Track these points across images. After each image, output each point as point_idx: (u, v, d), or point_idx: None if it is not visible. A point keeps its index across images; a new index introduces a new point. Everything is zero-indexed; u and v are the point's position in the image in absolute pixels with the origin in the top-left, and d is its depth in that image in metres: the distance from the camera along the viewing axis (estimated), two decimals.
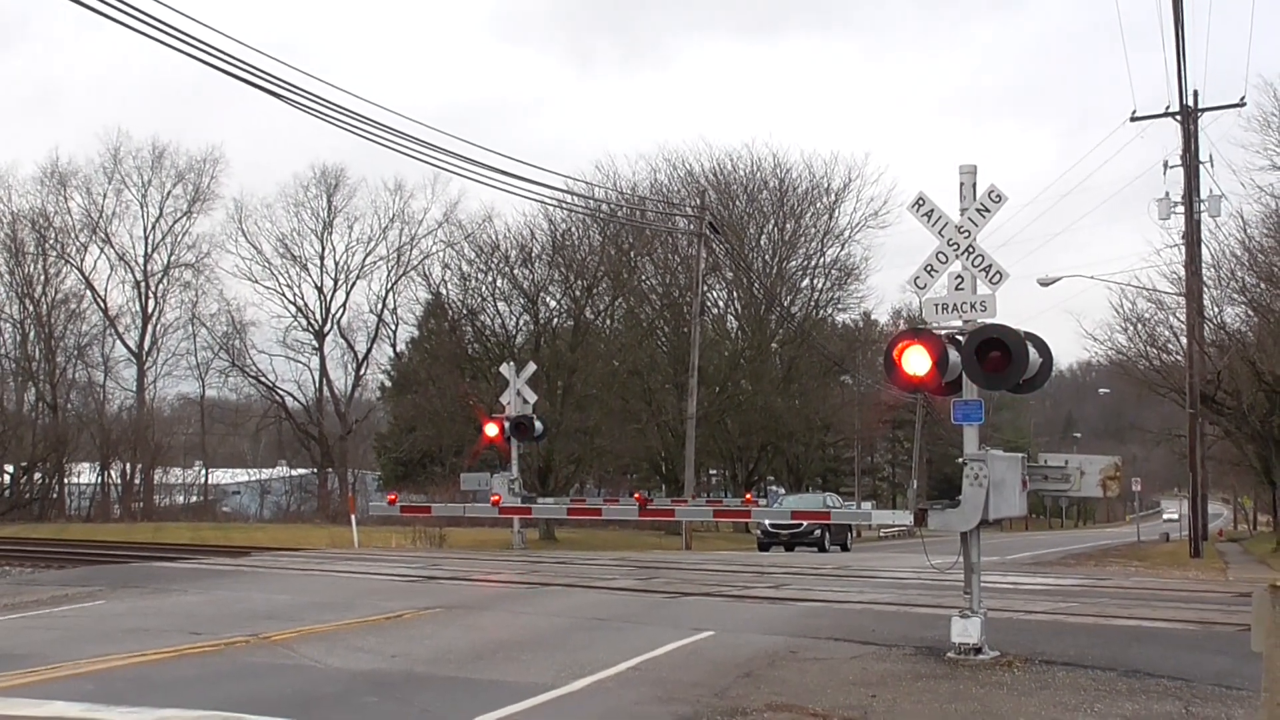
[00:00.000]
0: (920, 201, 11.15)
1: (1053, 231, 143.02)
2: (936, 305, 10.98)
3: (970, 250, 10.84)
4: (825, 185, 64.11)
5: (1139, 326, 40.50)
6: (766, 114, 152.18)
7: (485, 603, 15.30)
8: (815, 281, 66.49)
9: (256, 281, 68.58)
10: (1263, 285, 33.45)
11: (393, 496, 20.26)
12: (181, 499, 65.82)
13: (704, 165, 63.02)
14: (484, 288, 51.22)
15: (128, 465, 62.77)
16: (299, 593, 16.14)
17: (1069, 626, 12.92)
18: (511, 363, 29.35)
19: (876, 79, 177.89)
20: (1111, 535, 67.27)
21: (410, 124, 40.65)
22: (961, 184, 10.98)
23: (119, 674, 9.55)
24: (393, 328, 69.11)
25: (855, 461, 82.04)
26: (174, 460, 67.54)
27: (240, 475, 75.72)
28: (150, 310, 68.27)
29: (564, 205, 46.08)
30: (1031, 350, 10.53)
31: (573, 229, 51.50)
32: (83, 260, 66.43)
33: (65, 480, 61.60)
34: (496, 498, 20.35)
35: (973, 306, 10.77)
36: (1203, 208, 33.73)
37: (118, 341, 67.81)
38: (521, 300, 50.21)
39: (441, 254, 59.94)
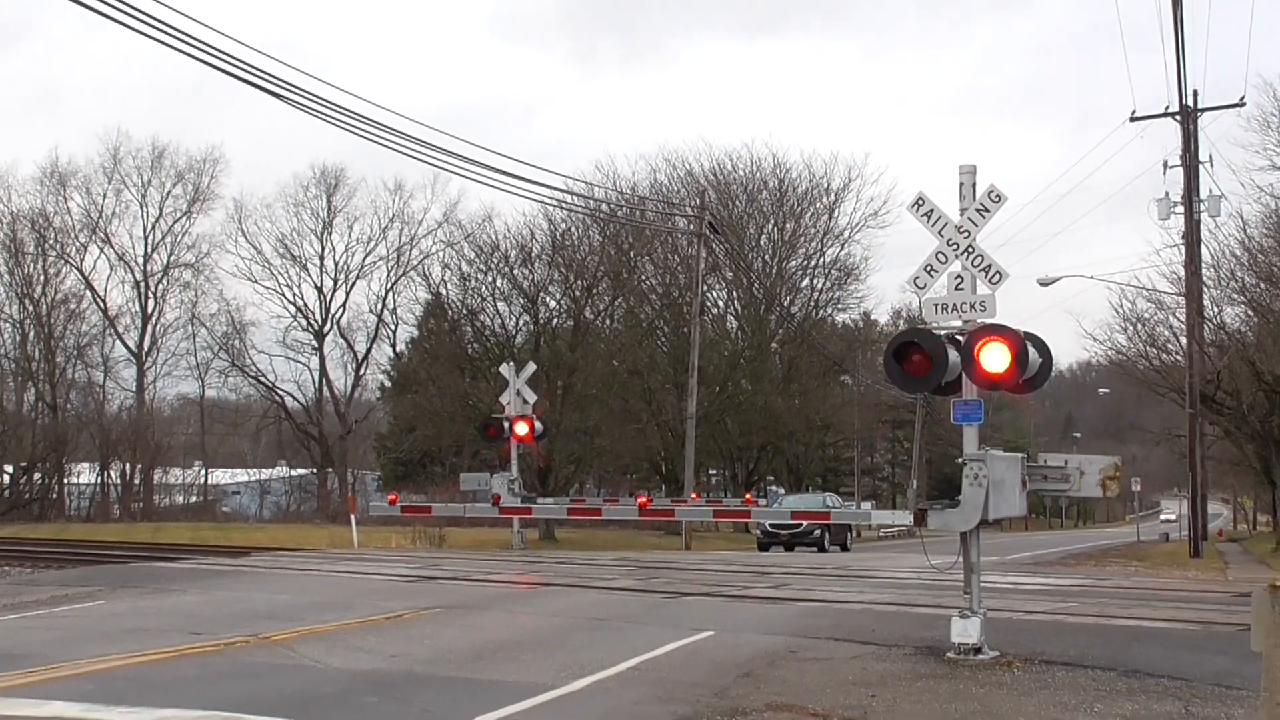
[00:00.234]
0: (920, 201, 11.15)
1: (1052, 231, 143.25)
2: (936, 305, 10.97)
3: (970, 250, 10.84)
4: (825, 185, 64.20)
5: (1139, 326, 40.54)
6: (766, 114, 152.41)
7: (485, 603, 15.30)
8: (815, 281, 66.55)
9: (256, 281, 68.69)
10: (1262, 285, 33.46)
11: (393, 496, 20.26)
12: (181, 499, 65.80)
13: (704, 165, 63.14)
14: (484, 288, 51.27)
15: (127, 465, 62.76)
16: (299, 593, 16.14)
17: (1069, 626, 12.92)
18: (511, 363, 29.36)
19: (877, 79, 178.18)
20: (1111, 535, 67.26)
21: (410, 124, 40.70)
22: (961, 184, 10.97)
23: (119, 674, 9.55)
24: (392, 328, 69.23)
25: (855, 461, 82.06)
26: (174, 460, 67.53)
27: (240, 475, 75.71)
28: (150, 310, 68.38)
29: (564, 205, 46.13)
30: (1031, 350, 10.53)
31: (572, 229, 51.55)
32: (82, 260, 66.58)
33: (65, 480, 61.60)
34: (496, 497, 20.37)
35: (972, 306, 10.77)
36: (1202, 208, 33.73)
37: (117, 341, 67.93)
38: (521, 300, 50.24)
39: (441, 254, 60.05)
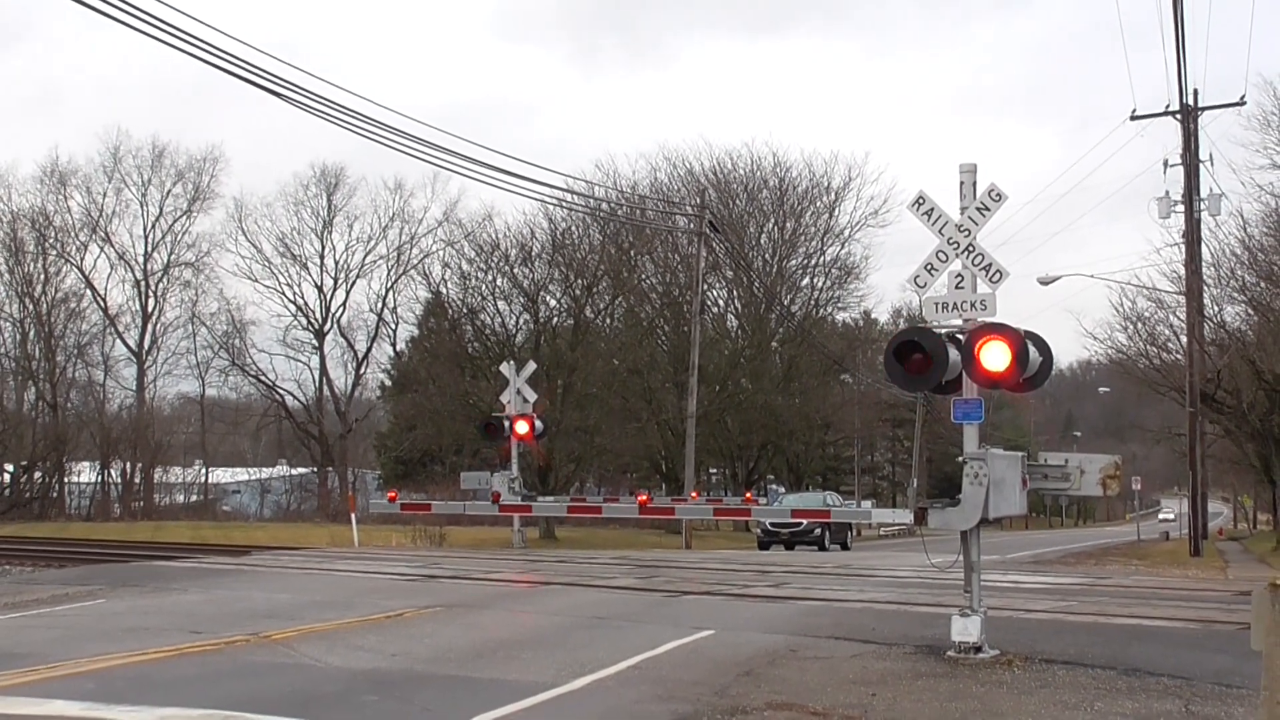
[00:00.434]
0: (920, 200, 11.15)
1: (1053, 230, 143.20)
2: (937, 304, 10.97)
3: (970, 249, 10.84)
4: (825, 184, 64.19)
5: (1139, 325, 40.49)
6: (767, 113, 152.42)
7: (485, 601, 15.30)
8: (815, 280, 66.55)
9: (256, 280, 68.73)
10: (1263, 284, 33.43)
11: (393, 495, 20.28)
12: (181, 498, 65.84)
13: (704, 164, 63.12)
14: (484, 286, 51.27)
15: (128, 464, 62.81)
16: (299, 591, 16.15)
17: (1069, 625, 12.92)
18: (511, 361, 29.34)
19: (878, 78, 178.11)
20: (1111, 534, 67.26)
21: (410, 123, 40.51)
22: (961, 183, 10.97)
23: (119, 673, 9.55)
24: (393, 327, 69.23)
25: (855, 460, 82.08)
26: (174, 459, 67.58)
27: (240, 474, 75.73)
28: (150, 309, 68.41)
29: (564, 204, 46.11)
30: (1031, 349, 10.53)
31: (573, 228, 51.55)
32: (83, 259, 66.63)
33: (65, 479, 61.64)
34: (497, 496, 20.37)
35: (973, 305, 10.76)
36: (1203, 206, 33.74)
37: (118, 340, 67.97)
38: (521, 299, 50.24)
39: (441, 253, 60.04)
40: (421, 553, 26.85)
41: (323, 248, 69.14)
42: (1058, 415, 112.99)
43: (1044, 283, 36.20)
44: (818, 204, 64.67)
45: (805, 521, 34.19)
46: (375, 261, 69.11)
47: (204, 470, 71.95)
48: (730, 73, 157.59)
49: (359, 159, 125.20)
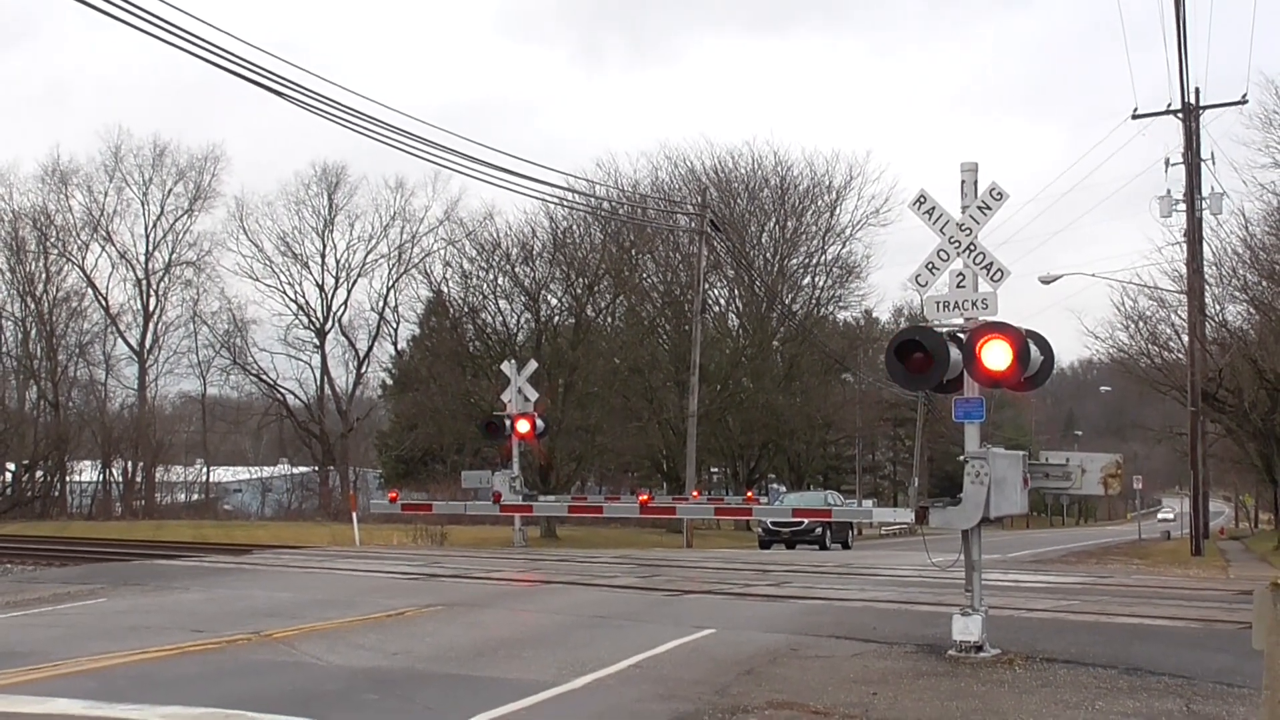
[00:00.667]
0: (921, 199, 11.14)
1: (1054, 229, 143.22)
2: (938, 303, 10.96)
3: (971, 248, 10.83)
4: (826, 183, 64.13)
5: (1140, 324, 40.49)
6: (768, 111, 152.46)
7: (487, 600, 15.31)
8: (816, 279, 66.50)
9: (258, 279, 68.73)
10: (1264, 283, 33.40)
11: (394, 494, 20.29)
12: (183, 497, 65.95)
13: (705, 163, 63.08)
14: (485, 285, 51.32)
15: (129, 463, 62.87)
16: (300, 590, 16.16)
17: (1070, 624, 12.92)
18: (513, 360, 29.33)
19: (880, 77, 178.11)
20: (1112, 533, 67.24)
21: (411, 122, 40.72)
22: (963, 181, 10.96)
23: (121, 671, 9.56)
24: (394, 325, 69.23)
25: (856, 459, 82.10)
26: (175, 458, 67.67)
27: (242, 473, 75.80)
28: (151, 308, 68.46)
29: (565, 203, 46.09)
30: (1033, 348, 10.52)
31: (574, 227, 51.57)
32: (84, 258, 66.70)
33: (67, 478, 61.71)
34: (498, 495, 20.38)
35: (974, 304, 10.76)
36: (1204, 205, 33.71)
37: (119, 339, 68.04)
38: (523, 298, 50.27)
39: (443, 252, 60.06)
40: (423, 552, 26.85)
41: (324, 246, 69.23)
42: (1059, 414, 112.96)
43: (1045, 281, 36.19)
44: (819, 203, 64.67)
45: (806, 521, 34.16)
46: (376, 260, 69.23)
47: (205, 469, 72.02)
48: (732, 71, 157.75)
49: (360, 158, 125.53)
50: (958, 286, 10.88)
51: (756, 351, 60.78)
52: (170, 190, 68.48)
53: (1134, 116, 34.47)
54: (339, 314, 69.56)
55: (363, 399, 72.88)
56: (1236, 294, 36.08)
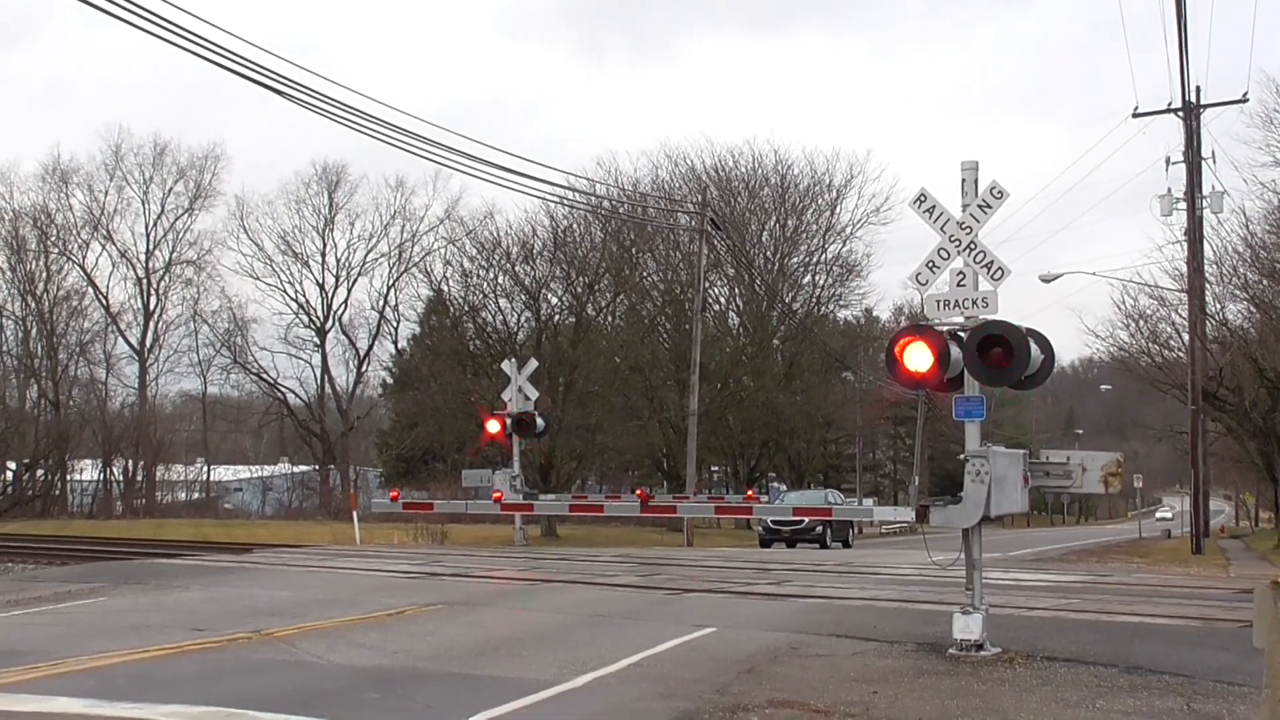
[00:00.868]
0: (922, 198, 11.13)
1: (1055, 228, 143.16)
2: (938, 301, 10.96)
3: (972, 246, 10.82)
4: (827, 182, 64.09)
5: (1141, 323, 40.49)
6: (769, 111, 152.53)
7: (487, 599, 15.31)
8: (817, 278, 66.47)
9: (258, 278, 68.66)
10: (1265, 281, 33.40)
11: (395, 493, 20.26)
12: (183, 496, 65.94)
13: (705, 162, 63.04)
14: (485, 284, 51.30)
15: (130, 462, 62.89)
16: (301, 589, 16.16)
17: (1071, 623, 12.92)
18: (513, 359, 29.33)
19: (880, 76, 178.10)
20: (1113, 532, 67.24)
21: (412, 121, 40.78)
22: (963, 180, 10.95)
23: (121, 670, 9.56)
24: (394, 324, 69.18)
25: (857, 458, 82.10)
26: (176, 457, 67.67)
27: (242, 472, 75.79)
28: (152, 307, 68.45)
29: (565, 202, 46.10)
30: (1033, 346, 10.52)
31: (574, 225, 51.54)
32: (84, 257, 66.73)
33: (67, 477, 61.73)
34: (498, 494, 20.36)
35: (974, 303, 10.75)
36: (1205, 204, 33.69)
37: (119, 338, 68.05)
38: (523, 297, 50.25)
39: (443, 251, 60.02)
40: (423, 550, 26.86)
41: (324, 245, 69.18)
42: (1059, 413, 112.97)
43: (1046, 280, 36.18)
44: (819, 201, 64.64)
45: (807, 519, 34.17)
46: (377, 259, 69.18)
47: (206, 468, 72.01)
48: (732, 71, 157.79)
49: (360, 157, 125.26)
50: (958, 285, 10.87)
51: (757, 350, 60.78)
52: (170, 189, 68.58)
53: (1134, 115, 34.48)
54: (339, 313, 69.63)
55: (363, 398, 72.91)
56: (1237, 292, 36.11)
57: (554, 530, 42.38)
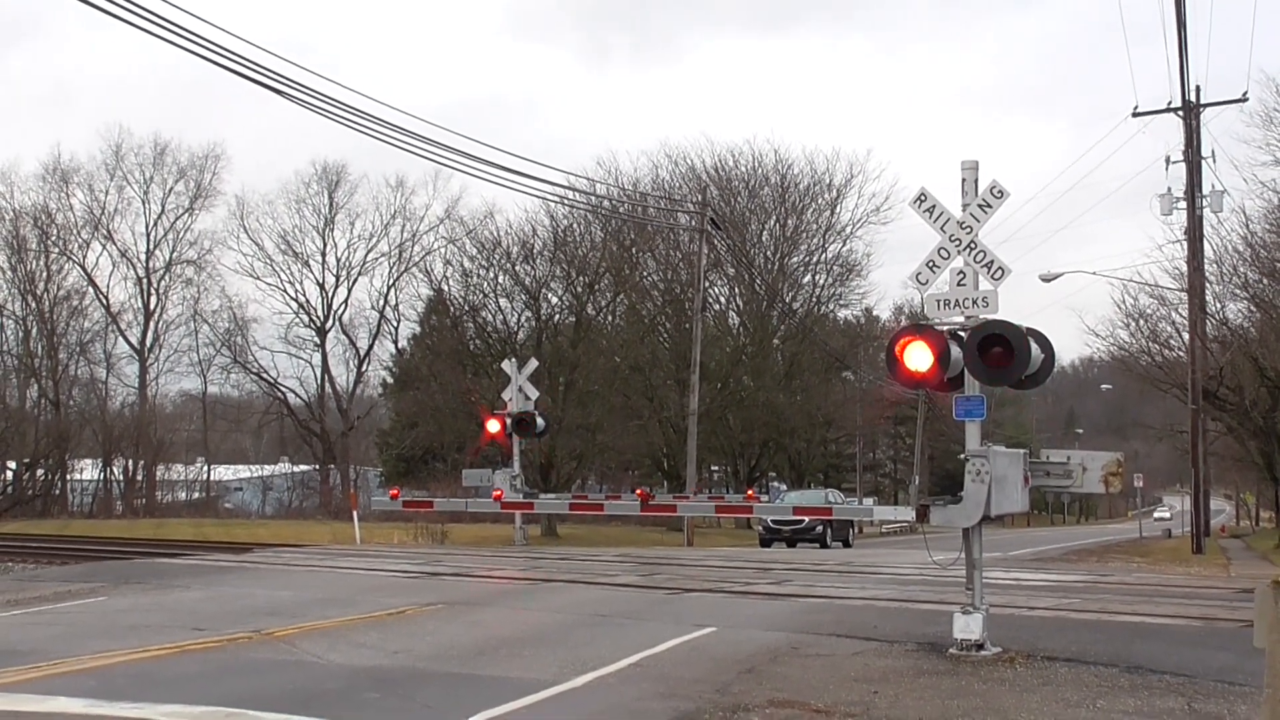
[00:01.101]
0: (922, 197, 11.12)
1: (1055, 227, 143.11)
2: (939, 301, 10.95)
3: (972, 246, 10.82)
4: (827, 181, 64.00)
5: (1141, 322, 40.46)
6: (769, 110, 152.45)
7: (487, 599, 15.31)
8: (817, 277, 66.40)
9: (258, 278, 68.69)
10: (1265, 281, 33.38)
11: (395, 491, 20.26)
12: (184, 495, 65.94)
13: (706, 161, 62.96)
14: (486, 284, 51.31)
15: (130, 461, 62.89)
16: (301, 589, 16.16)
17: (1071, 622, 12.91)
18: (513, 359, 29.33)
19: (881, 76, 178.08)
20: (1113, 531, 67.23)
21: (412, 120, 40.77)
22: (963, 180, 10.95)
23: (121, 670, 9.56)
24: (394, 324, 69.19)
25: (857, 457, 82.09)
26: (176, 457, 67.66)
27: (242, 471, 75.79)
28: (152, 307, 68.46)
29: (566, 201, 46.09)
30: (1033, 346, 10.51)
31: (574, 225, 51.54)
32: (85, 257, 66.75)
33: (68, 477, 61.73)
34: (499, 493, 20.35)
35: (975, 302, 10.75)
36: (1205, 203, 33.69)
37: (120, 338, 68.06)
38: (523, 296, 50.25)
39: (443, 250, 60.05)
40: (423, 550, 26.86)
41: (324, 245, 69.19)
42: (1060, 412, 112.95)
43: (1046, 280, 36.17)
44: (819, 201, 64.57)
45: (807, 519, 34.18)
46: (377, 259, 69.20)
47: (206, 467, 72.00)
48: (733, 70, 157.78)
49: (360, 156, 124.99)
50: (958, 284, 10.87)
51: (757, 350, 60.75)
52: (171, 189, 68.60)
53: (1135, 114, 34.48)
54: (339, 312, 69.64)
55: (363, 397, 72.92)
56: (1237, 292, 36.08)
57: (554, 530, 42.38)
